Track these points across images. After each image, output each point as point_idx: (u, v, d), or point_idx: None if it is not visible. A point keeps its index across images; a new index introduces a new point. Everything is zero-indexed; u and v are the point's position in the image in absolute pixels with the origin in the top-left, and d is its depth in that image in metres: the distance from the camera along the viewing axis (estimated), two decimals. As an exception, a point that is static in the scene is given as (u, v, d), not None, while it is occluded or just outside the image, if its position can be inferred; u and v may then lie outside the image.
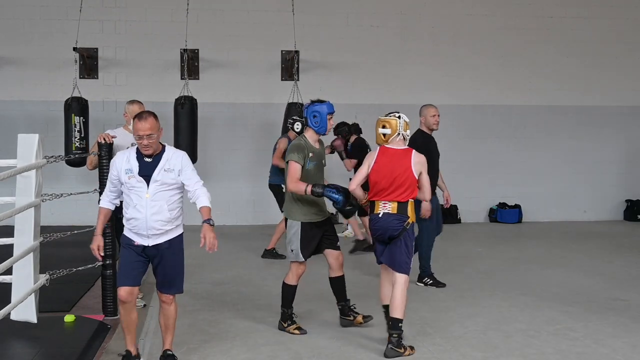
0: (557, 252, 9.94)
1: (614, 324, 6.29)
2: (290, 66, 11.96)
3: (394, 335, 5.44)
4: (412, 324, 6.14)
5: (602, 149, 13.12)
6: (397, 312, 5.48)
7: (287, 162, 5.80)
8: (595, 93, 13.04)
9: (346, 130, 9.74)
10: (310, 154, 5.86)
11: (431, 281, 7.69)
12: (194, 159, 10.83)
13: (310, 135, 5.93)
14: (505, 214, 12.74)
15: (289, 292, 6.03)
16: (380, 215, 5.61)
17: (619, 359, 5.39)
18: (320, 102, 5.92)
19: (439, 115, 7.56)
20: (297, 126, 8.78)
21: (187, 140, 10.57)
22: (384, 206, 5.61)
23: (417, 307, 6.69)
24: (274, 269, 8.40)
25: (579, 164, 13.12)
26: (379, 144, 5.73)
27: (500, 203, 12.86)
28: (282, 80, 12.15)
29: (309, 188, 5.69)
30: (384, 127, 5.67)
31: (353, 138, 9.83)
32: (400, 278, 5.56)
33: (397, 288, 5.54)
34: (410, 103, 12.20)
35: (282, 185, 8.61)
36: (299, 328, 5.99)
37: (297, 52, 11.64)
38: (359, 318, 6.11)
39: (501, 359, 5.41)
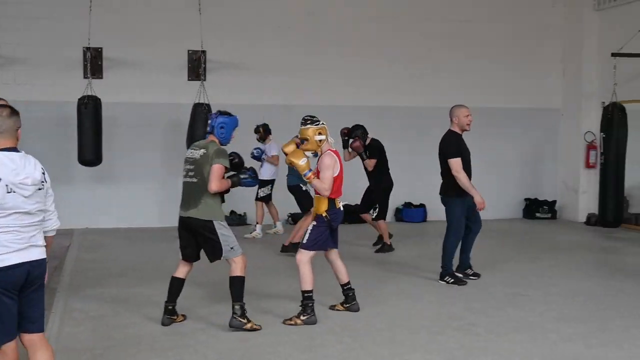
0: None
1: (514, 319, 6.51)
2: (197, 66, 11.82)
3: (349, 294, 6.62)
4: (320, 322, 6.20)
5: (504, 149, 13.56)
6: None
7: (214, 165, 5.91)
8: (498, 95, 13.46)
9: (361, 132, 9.69)
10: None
11: (452, 279, 7.87)
12: (98, 160, 10.59)
13: (219, 145, 6.10)
14: (410, 213, 12.99)
15: (242, 284, 6.06)
16: (341, 209, 6.46)
17: (519, 352, 5.58)
18: (229, 115, 6.12)
19: (471, 115, 7.85)
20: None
21: (91, 141, 10.32)
22: (340, 201, 6.46)
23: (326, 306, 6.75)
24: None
25: (482, 163, 13.46)
26: (313, 150, 6.32)
27: (405, 203, 13.11)
28: (188, 80, 12.01)
29: (230, 181, 6.09)
30: (320, 134, 6.26)
31: (369, 139, 9.81)
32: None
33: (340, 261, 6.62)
34: (318, 104, 12.36)
35: (301, 185, 9.36)
36: (255, 324, 6.08)
37: (204, 51, 11.53)
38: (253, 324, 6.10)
39: (406, 356, 5.50)
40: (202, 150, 6.00)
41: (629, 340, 5.86)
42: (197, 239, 6.10)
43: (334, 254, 6.59)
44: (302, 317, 6.24)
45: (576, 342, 5.83)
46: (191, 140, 11.19)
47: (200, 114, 10.78)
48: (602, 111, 11.45)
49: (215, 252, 6.05)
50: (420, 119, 12.98)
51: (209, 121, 6.12)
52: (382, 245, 9.98)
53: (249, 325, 6.01)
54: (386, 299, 7.21)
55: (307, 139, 6.32)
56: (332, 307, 6.69)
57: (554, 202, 13.72)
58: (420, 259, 9.38)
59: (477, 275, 8.10)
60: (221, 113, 6.12)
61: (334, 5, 12.77)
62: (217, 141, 6.06)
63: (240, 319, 6.01)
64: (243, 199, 11.82)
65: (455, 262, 8.01)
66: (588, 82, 13.25)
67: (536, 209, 13.57)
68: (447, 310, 6.79)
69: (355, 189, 9.85)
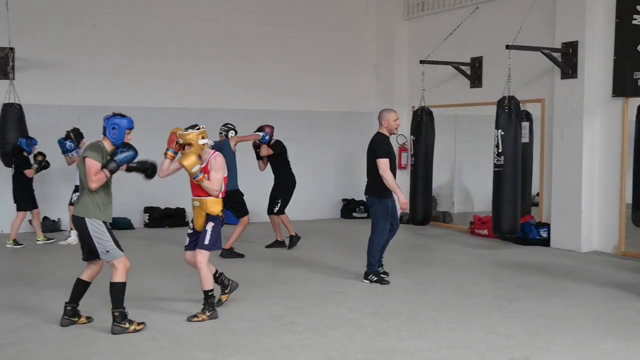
0: (281, 251, 10.37)
1: (333, 316, 6.73)
2: (4, 64, 11.15)
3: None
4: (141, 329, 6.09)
5: (321, 152, 13.96)
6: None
7: (85, 160, 5.88)
8: (316, 99, 13.84)
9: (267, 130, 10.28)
10: (108, 157, 6.00)
11: (376, 278, 8.08)
12: None
13: (107, 145, 6.05)
14: (228, 215, 12.97)
15: (122, 290, 6.04)
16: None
17: (337, 347, 5.78)
18: (122, 116, 6.09)
19: (399, 119, 8.22)
20: (232, 133, 9.87)
21: None
22: None
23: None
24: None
25: (301, 165, 13.80)
26: (197, 153, 6.39)
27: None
28: (-5, 78, 11.34)
29: (106, 170, 5.89)
30: (203, 137, 6.43)
31: (273, 140, 10.38)
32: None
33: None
34: (136, 106, 12.10)
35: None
36: (139, 323, 6.12)
37: (12, 49, 10.92)
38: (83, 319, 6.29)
39: (229, 358, 5.53)
40: (84, 151, 6.02)
41: (438, 331, 6.24)
42: (83, 237, 6.10)
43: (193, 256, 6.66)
44: (207, 313, 6.46)
45: (390, 335, 6.12)
46: (2, 142, 10.60)
47: (11, 114, 10.20)
48: (412, 115, 12.08)
49: (95, 250, 6.03)
50: (245, 121, 13.03)
51: (103, 123, 6.07)
52: (291, 239, 10.41)
53: (132, 328, 6.02)
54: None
55: (190, 144, 6.40)
56: (218, 302, 6.83)
57: (370, 202, 14.28)
58: (238, 261, 9.45)
59: (386, 273, 8.27)
60: (114, 114, 6.09)
61: (155, 4, 12.54)
62: (109, 142, 6.02)
63: (121, 325, 6.00)
64: (57, 204, 11.33)
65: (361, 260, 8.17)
66: (399, 87, 13.96)
67: (353, 208, 14.08)
68: (268, 311, 6.88)
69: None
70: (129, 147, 6.03)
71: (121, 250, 6.06)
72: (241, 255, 9.73)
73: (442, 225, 12.93)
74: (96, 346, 5.75)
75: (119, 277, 6.01)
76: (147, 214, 12.60)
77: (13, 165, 10.39)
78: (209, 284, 6.50)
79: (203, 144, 6.46)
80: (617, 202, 10.06)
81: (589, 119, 10.20)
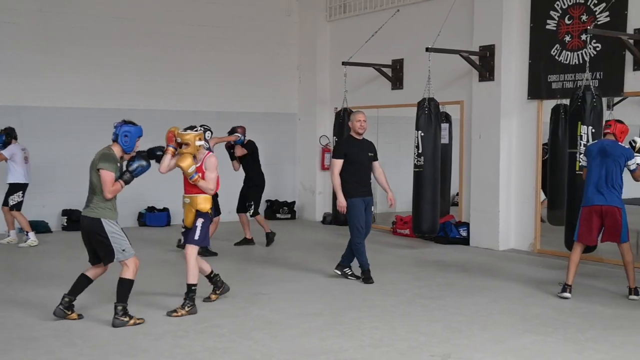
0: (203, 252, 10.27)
1: (257, 318, 6.70)
2: None
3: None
4: (59, 336, 5.92)
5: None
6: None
7: (100, 171, 6.17)
8: (238, 99, 13.77)
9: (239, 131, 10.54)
10: (118, 164, 6.33)
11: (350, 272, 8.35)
12: None
13: (117, 151, 6.35)
14: (153, 217, 12.84)
15: (130, 287, 6.35)
16: None
17: (260, 349, 5.75)
18: (133, 124, 6.41)
19: (365, 121, 8.19)
20: (208, 134, 9.64)
21: None
22: None
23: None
24: None
25: (224, 167, 13.67)
26: (193, 153, 6.69)
27: (149, 207, 12.93)
28: None
29: (122, 182, 6.27)
30: (200, 139, 6.71)
31: (246, 140, 10.63)
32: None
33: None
34: (53, 106, 11.81)
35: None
36: (138, 318, 6.38)
37: None
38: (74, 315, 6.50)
39: (150, 362, 5.46)
40: (95, 156, 6.29)
41: (360, 330, 6.29)
42: (90, 240, 6.33)
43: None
44: (186, 309, 6.68)
45: (314, 335, 6.14)
46: None
47: None
48: (334, 116, 12.16)
49: (107, 254, 6.28)
50: (167, 121, 12.84)
51: (114, 129, 6.33)
52: (267, 236, 10.83)
53: (131, 322, 6.30)
54: (130, 306, 7.03)
55: (188, 144, 6.65)
56: (207, 299, 7.15)
57: (294, 202, 14.33)
58: (163, 265, 9.32)
59: (356, 276, 8.36)
60: (125, 122, 6.39)
61: (68, 3, 12.23)
62: (121, 149, 6.32)
63: (122, 318, 6.27)
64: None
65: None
66: (322, 88, 14.03)
67: (277, 209, 14.08)
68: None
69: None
70: (142, 157, 6.40)
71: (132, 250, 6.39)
72: (214, 254, 9.75)
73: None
74: (12, 354, 5.57)
75: (129, 275, 6.33)
76: (65, 217, 12.26)
77: None
78: (194, 277, 6.75)
79: (199, 145, 6.73)
80: (532, 202, 10.37)
81: (506, 121, 10.48)
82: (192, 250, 6.79)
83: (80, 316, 6.49)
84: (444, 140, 11.13)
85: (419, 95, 10.22)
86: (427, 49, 10.09)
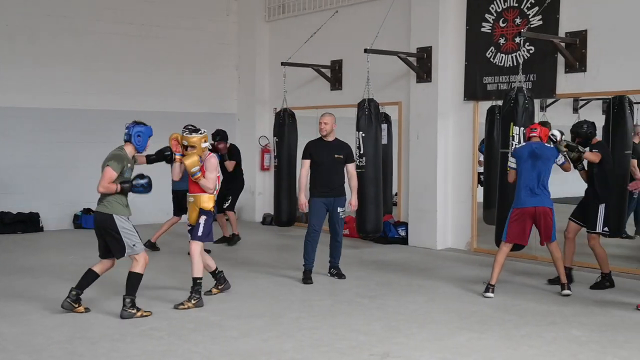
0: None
1: (196, 320, 6.65)
2: None
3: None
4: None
5: (183, 153, 13.74)
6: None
7: (105, 167, 6.48)
8: (177, 99, 13.62)
9: (224, 135, 10.69)
10: (129, 164, 6.65)
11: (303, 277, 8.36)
12: None
13: (129, 150, 6.69)
14: (90, 219, 12.58)
15: (139, 281, 6.66)
16: None
17: (200, 351, 5.71)
18: (144, 124, 6.78)
19: (326, 123, 8.27)
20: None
21: None
22: None
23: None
24: None
25: (161, 167, 13.52)
26: (199, 155, 7.08)
27: (85, 209, 12.68)
28: None
29: (119, 187, 6.53)
30: (205, 141, 7.12)
31: (228, 144, 10.77)
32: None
33: None
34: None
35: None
36: (145, 310, 6.69)
37: None
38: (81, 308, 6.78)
39: (87, 367, 5.36)
40: (107, 159, 6.57)
41: (300, 330, 6.31)
42: (103, 234, 6.66)
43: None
44: (192, 301, 7.00)
45: (254, 336, 6.13)
46: None
47: None
48: (274, 117, 12.16)
49: (119, 248, 6.60)
50: (104, 122, 12.67)
51: (126, 130, 6.65)
52: (232, 237, 11.00)
53: (139, 314, 6.60)
54: (65, 310, 6.92)
55: (194, 147, 7.06)
56: (208, 292, 7.48)
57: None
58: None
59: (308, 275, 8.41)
60: (137, 123, 6.73)
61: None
62: (134, 148, 6.67)
63: (130, 310, 6.56)
64: None
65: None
66: (261, 89, 14.00)
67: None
68: (128, 317, 6.73)
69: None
70: (148, 186, 6.76)
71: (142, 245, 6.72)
72: (157, 249, 10.23)
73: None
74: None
75: (139, 269, 6.65)
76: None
77: None
78: (199, 271, 7.09)
79: (204, 147, 7.14)
80: (469, 201, 10.55)
81: (443, 122, 10.64)
82: (196, 246, 7.14)
83: (87, 309, 6.76)
84: (384, 140, 11.23)
85: (358, 96, 10.29)
86: (366, 50, 10.17)
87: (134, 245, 6.63)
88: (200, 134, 7.16)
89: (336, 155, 8.33)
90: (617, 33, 8.85)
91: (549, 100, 10.44)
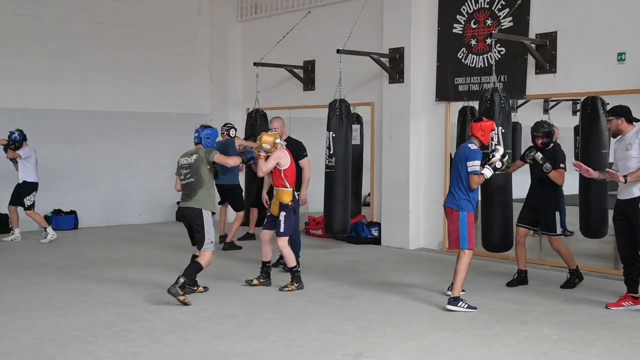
0: (115, 255, 10.07)
1: (168, 321, 6.61)
2: None
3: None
4: None
5: (154, 154, 13.67)
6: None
7: (215, 156, 7.38)
8: (148, 100, 13.55)
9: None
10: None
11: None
12: None
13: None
14: (60, 220, 12.47)
15: (198, 271, 7.37)
16: (297, 197, 8.06)
17: (172, 353, 5.68)
18: (211, 127, 7.74)
19: (275, 129, 8.51)
20: (232, 132, 10.78)
21: None
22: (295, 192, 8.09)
23: None
24: None
25: (133, 168, 13.49)
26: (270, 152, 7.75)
27: (55, 210, 12.55)
28: None
29: (239, 158, 7.81)
30: (277, 138, 7.84)
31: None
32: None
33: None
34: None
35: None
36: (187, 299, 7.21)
37: None
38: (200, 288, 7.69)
39: (58, 370, 5.30)
40: (195, 156, 7.45)
41: (274, 331, 6.30)
42: (191, 226, 7.49)
43: (269, 234, 8.03)
44: (295, 284, 7.88)
45: (227, 338, 6.11)
46: None
47: None
48: (246, 117, 12.12)
49: (200, 240, 7.38)
50: (77, 122, 12.55)
51: (196, 133, 7.59)
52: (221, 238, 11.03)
53: (182, 298, 7.09)
54: (35, 312, 6.84)
55: (268, 143, 7.73)
56: (250, 282, 8.02)
57: (206, 204, 14.17)
58: (69, 268, 9.08)
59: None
60: (204, 126, 7.68)
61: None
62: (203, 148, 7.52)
63: (179, 289, 7.07)
64: None
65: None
66: (233, 89, 13.96)
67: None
68: (100, 318, 6.66)
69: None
70: (252, 154, 7.83)
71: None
72: (239, 247, 10.64)
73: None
74: None
75: (203, 262, 7.33)
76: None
77: None
78: (292, 261, 7.85)
79: (276, 143, 7.78)
80: (441, 201, 10.57)
81: (415, 122, 10.69)
82: (282, 241, 7.81)
83: (205, 288, 7.69)
84: (356, 141, 11.25)
85: (331, 97, 10.30)
86: (338, 51, 10.18)
87: (211, 242, 7.40)
88: (272, 132, 8.02)
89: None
90: (586, 34, 8.96)
91: (520, 101, 10.53)
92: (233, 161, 7.66)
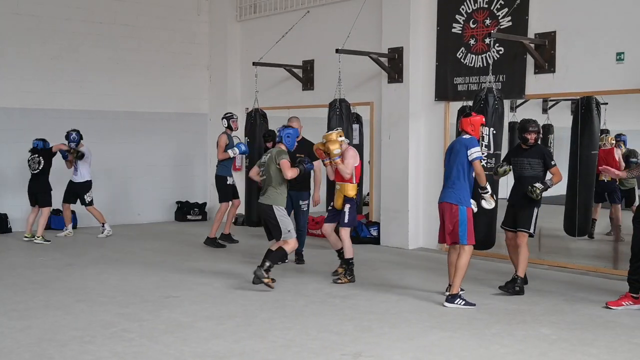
0: (113, 255, 10.07)
1: (167, 321, 6.60)
2: None
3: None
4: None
5: (153, 154, 13.67)
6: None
7: (281, 161, 7.82)
8: (147, 99, 13.54)
9: (273, 135, 10.85)
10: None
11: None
12: None
13: (283, 148, 8.06)
14: (60, 220, 12.42)
15: (282, 257, 7.95)
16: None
17: (172, 353, 5.67)
18: (291, 127, 8.34)
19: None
20: (224, 122, 11.00)
21: None
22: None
23: None
24: None
25: (132, 168, 13.48)
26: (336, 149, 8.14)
27: (54, 209, 12.49)
28: None
29: (300, 168, 7.99)
30: (340, 136, 8.23)
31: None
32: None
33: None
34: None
35: (228, 177, 10.77)
36: (272, 280, 7.84)
37: None
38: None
39: (56, 370, 5.30)
40: (269, 155, 8.04)
41: (273, 331, 6.29)
42: (265, 221, 8.02)
43: (331, 227, 8.51)
44: (347, 277, 8.24)
45: (226, 337, 6.10)
46: None
47: None
48: (246, 117, 12.11)
49: (276, 232, 7.90)
50: (76, 121, 12.53)
51: (278, 133, 8.18)
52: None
53: (266, 281, 7.70)
54: (33, 312, 6.84)
55: (331, 141, 8.13)
56: (336, 280, 8.26)
57: (205, 204, 14.19)
58: (68, 268, 9.08)
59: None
60: (285, 127, 8.26)
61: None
62: (285, 147, 8.06)
63: (264, 272, 7.67)
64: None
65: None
66: (232, 88, 13.95)
67: (187, 211, 13.91)
68: (99, 319, 6.65)
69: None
70: (310, 162, 8.21)
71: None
72: (223, 246, 10.76)
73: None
74: None
75: (288, 249, 7.87)
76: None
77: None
78: (350, 253, 8.24)
79: (341, 140, 8.19)
80: (440, 201, 10.58)
81: (414, 122, 10.69)
82: (345, 232, 8.23)
83: (273, 280, 7.84)
84: (355, 140, 11.25)
85: (330, 96, 10.30)
86: (337, 51, 10.18)
87: (289, 230, 7.84)
88: (336, 130, 8.34)
89: (297, 155, 8.65)
90: (585, 34, 8.96)
91: (519, 101, 10.53)
92: (292, 173, 7.87)
